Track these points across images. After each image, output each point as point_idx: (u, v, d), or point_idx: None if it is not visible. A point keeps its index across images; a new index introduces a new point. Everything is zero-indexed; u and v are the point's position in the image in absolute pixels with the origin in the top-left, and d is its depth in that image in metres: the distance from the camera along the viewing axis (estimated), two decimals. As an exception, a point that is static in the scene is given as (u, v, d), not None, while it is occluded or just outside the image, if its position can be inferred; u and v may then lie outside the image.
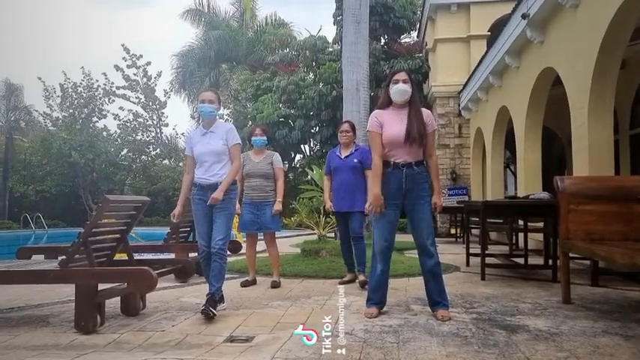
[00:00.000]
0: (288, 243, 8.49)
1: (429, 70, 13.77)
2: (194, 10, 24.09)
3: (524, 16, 6.85)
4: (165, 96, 23.75)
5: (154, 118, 23.79)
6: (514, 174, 10.72)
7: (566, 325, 3.03)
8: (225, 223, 3.55)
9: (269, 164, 4.79)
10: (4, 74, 35.09)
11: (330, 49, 15.60)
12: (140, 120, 23.31)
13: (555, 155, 11.93)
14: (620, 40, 5.06)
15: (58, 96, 22.39)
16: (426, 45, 14.34)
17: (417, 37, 16.08)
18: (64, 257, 3.38)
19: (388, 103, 3.42)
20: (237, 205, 4.47)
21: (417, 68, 13.32)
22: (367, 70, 8.12)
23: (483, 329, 2.94)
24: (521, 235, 6.09)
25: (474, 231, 8.46)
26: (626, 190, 3.74)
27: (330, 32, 29.64)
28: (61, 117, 22.57)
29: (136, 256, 4.12)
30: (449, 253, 7.08)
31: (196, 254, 4.60)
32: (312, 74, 16.02)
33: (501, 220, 6.17)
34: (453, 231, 11.30)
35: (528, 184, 7.68)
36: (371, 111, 4.98)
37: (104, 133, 22.52)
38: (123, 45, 22.38)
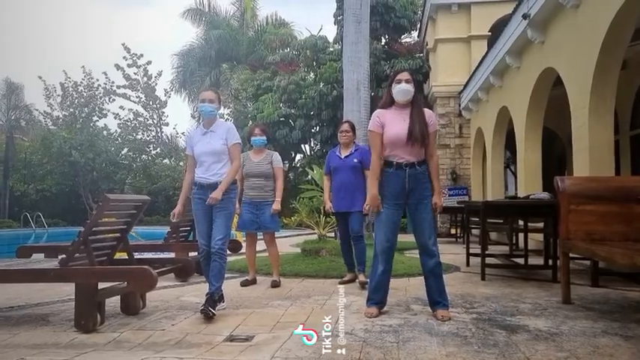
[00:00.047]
0: (289, 243, 8.49)
1: (429, 70, 13.76)
2: (195, 10, 24.12)
3: (524, 17, 6.85)
4: (165, 95, 23.79)
5: (155, 117, 23.79)
6: (514, 174, 10.71)
7: (566, 325, 3.03)
8: (225, 222, 3.55)
9: (269, 164, 4.79)
10: (5, 73, 35.15)
11: (331, 49, 15.61)
12: (140, 119, 23.31)
13: (556, 155, 11.93)
14: (621, 41, 5.06)
15: (59, 95, 22.41)
16: (427, 45, 14.34)
17: (418, 37, 16.07)
18: (64, 256, 3.38)
19: (390, 102, 3.42)
20: (237, 205, 4.47)
21: (418, 68, 13.31)
22: (368, 70, 8.12)
23: (483, 329, 2.94)
24: (521, 236, 6.09)
25: (474, 231, 8.46)
26: (627, 190, 3.74)
27: (330, 32, 29.62)
28: (61, 116, 22.57)
29: (136, 255, 4.12)
30: (449, 253, 7.08)
31: (196, 253, 4.60)
32: (312, 74, 16.03)
33: (501, 221, 6.16)
34: (453, 231, 11.29)
35: (529, 184, 7.68)
36: (371, 111, 4.98)
37: (104, 133, 22.49)
38: (123, 44, 22.41)
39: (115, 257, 3.76)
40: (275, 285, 4.62)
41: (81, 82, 22.17)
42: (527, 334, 2.83)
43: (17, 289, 4.46)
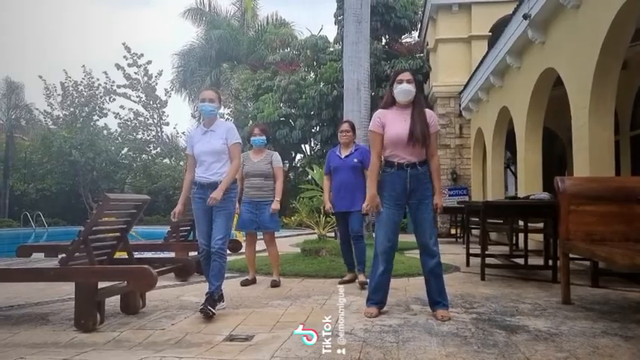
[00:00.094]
0: (288, 242, 8.49)
1: (429, 70, 13.77)
2: (195, 10, 24.12)
3: (525, 17, 6.85)
4: (166, 95, 23.80)
5: (155, 117, 23.80)
6: (514, 174, 10.71)
7: (565, 325, 3.03)
8: (225, 222, 3.55)
9: (268, 164, 4.79)
10: (5, 73, 35.16)
11: (331, 49, 15.61)
12: (141, 119, 23.31)
13: (556, 156, 11.93)
14: (622, 41, 5.05)
15: (59, 94, 22.42)
16: (427, 45, 14.33)
17: (418, 37, 16.07)
18: (64, 255, 3.38)
19: (392, 102, 3.42)
20: (237, 205, 4.47)
21: (418, 68, 13.31)
22: (368, 70, 8.11)
23: (483, 329, 2.94)
24: (521, 236, 6.09)
25: (474, 231, 8.46)
26: (627, 190, 3.74)
27: (331, 32, 29.64)
28: (61, 115, 22.58)
29: (136, 255, 4.12)
30: (449, 253, 7.08)
31: (196, 253, 4.60)
32: (312, 74, 16.03)
33: (501, 221, 6.16)
34: (453, 231, 11.30)
35: (529, 184, 7.68)
36: (372, 111, 4.98)
37: (105, 132, 22.50)
38: (124, 44, 22.41)
39: (114, 257, 3.76)
40: (275, 285, 4.62)
41: (81, 82, 22.19)
42: (527, 334, 2.83)
43: (17, 288, 4.46)
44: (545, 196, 5.38)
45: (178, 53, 24.71)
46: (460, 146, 12.55)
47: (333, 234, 7.08)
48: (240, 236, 7.01)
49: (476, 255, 5.40)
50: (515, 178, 9.49)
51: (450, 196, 11.77)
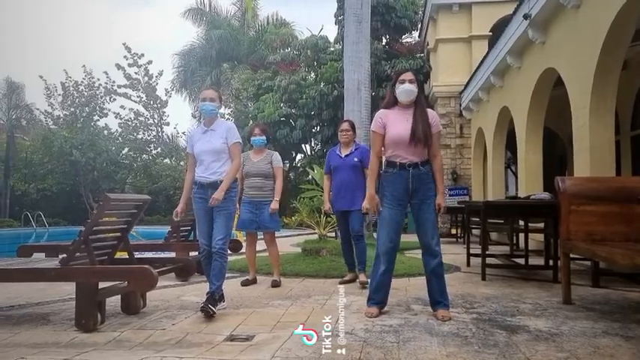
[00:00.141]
0: (289, 242, 8.49)
1: (430, 70, 13.77)
2: (195, 10, 24.12)
3: (525, 17, 6.85)
4: (166, 95, 23.82)
5: (155, 117, 23.82)
6: (515, 174, 10.71)
7: (566, 325, 3.03)
8: (225, 222, 3.55)
9: (268, 163, 4.79)
10: (5, 73, 35.18)
11: (332, 49, 15.62)
12: (141, 119, 23.33)
13: (556, 156, 11.92)
14: (622, 41, 5.05)
15: (60, 94, 22.45)
16: (428, 45, 14.33)
17: (419, 37, 16.07)
18: (64, 255, 3.39)
19: (394, 102, 3.42)
20: (237, 205, 4.47)
21: (419, 68, 13.32)
22: (369, 70, 8.11)
23: (484, 329, 2.94)
24: (521, 236, 6.09)
25: (474, 231, 8.46)
26: (627, 191, 3.73)
27: (331, 32, 29.66)
28: (62, 115, 22.60)
29: (137, 255, 4.12)
30: (450, 253, 7.07)
31: (197, 253, 4.60)
32: (313, 74, 16.04)
33: (502, 221, 6.16)
34: (453, 231, 11.29)
35: (529, 184, 7.67)
36: (372, 111, 4.98)
37: (105, 132, 22.53)
38: (124, 44, 22.42)
39: (115, 257, 3.76)
40: (275, 285, 4.62)
41: (82, 82, 22.22)
42: (528, 334, 2.83)
43: (18, 288, 4.47)
44: (546, 196, 5.38)
45: (179, 53, 24.74)
46: (461, 146, 12.55)
47: (333, 234, 7.08)
48: (240, 236, 7.01)
49: (476, 255, 5.40)
50: (516, 178, 9.49)
51: (450, 196, 11.77)
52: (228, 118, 18.11)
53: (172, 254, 5.52)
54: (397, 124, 3.31)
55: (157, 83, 23.28)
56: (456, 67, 12.40)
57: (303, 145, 16.73)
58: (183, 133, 24.30)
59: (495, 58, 8.91)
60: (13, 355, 2.55)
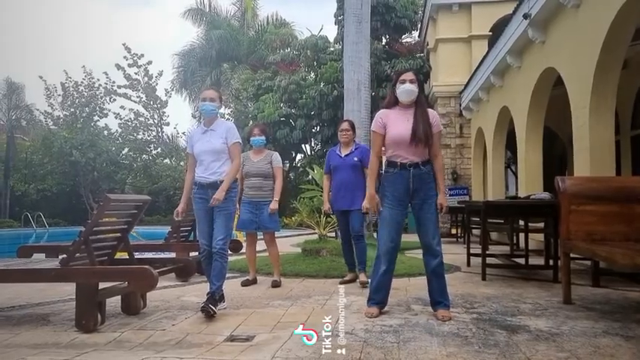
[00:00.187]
0: (289, 242, 8.49)
1: (430, 69, 13.77)
2: (195, 10, 24.13)
3: (525, 16, 6.85)
4: (166, 95, 23.79)
5: (155, 117, 23.80)
6: (515, 174, 10.71)
7: (566, 325, 3.03)
8: (226, 222, 3.55)
9: (268, 164, 4.79)
10: (5, 73, 35.18)
11: (332, 49, 15.62)
12: (141, 119, 23.31)
13: (556, 155, 11.92)
14: (622, 40, 5.05)
15: (59, 95, 22.42)
16: (428, 45, 14.34)
17: (419, 36, 16.07)
18: (65, 256, 3.38)
19: (394, 102, 3.42)
20: (237, 205, 4.47)
21: (419, 68, 13.32)
22: (368, 70, 8.11)
23: (484, 329, 2.94)
24: (522, 236, 6.09)
25: (474, 231, 8.45)
26: (628, 190, 3.73)
27: (331, 32, 29.64)
28: (62, 116, 22.58)
29: (137, 255, 4.12)
30: (450, 253, 7.07)
31: (197, 253, 4.59)
32: (313, 74, 16.04)
33: (502, 221, 6.16)
34: (453, 231, 11.29)
35: (529, 184, 7.67)
36: (372, 111, 4.98)
37: (105, 132, 22.51)
38: (124, 44, 22.40)
39: (115, 257, 3.76)
40: (275, 285, 4.62)
41: (81, 82, 22.19)
42: (528, 334, 2.83)
43: (18, 288, 4.47)
44: (546, 195, 5.38)
45: (179, 53, 24.75)
46: (461, 146, 12.55)
47: (333, 234, 7.08)
48: (240, 236, 7.01)
49: (477, 255, 5.40)
50: (516, 177, 9.49)
51: (450, 195, 11.77)
52: (228, 119, 18.10)
53: (172, 254, 5.51)
54: (398, 124, 3.31)
55: (157, 83, 23.29)
56: (456, 66, 12.40)
57: (303, 145, 16.74)
58: (183, 133, 24.33)
59: (495, 58, 8.91)
60: (14, 355, 2.55)
